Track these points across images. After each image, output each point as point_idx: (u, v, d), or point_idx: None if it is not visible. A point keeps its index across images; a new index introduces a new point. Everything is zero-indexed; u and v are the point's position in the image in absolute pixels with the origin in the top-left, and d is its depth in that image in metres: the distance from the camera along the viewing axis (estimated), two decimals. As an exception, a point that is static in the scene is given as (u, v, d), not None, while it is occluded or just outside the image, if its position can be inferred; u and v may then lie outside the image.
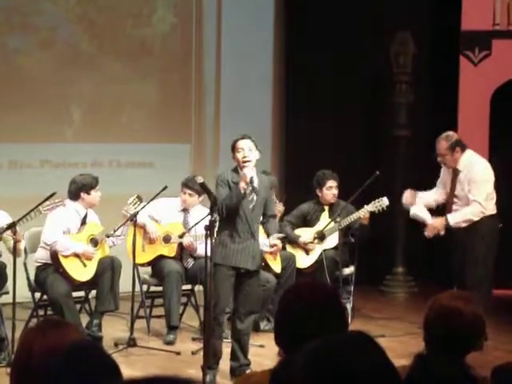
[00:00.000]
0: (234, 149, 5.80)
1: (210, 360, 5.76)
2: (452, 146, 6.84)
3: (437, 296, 3.08)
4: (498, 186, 6.97)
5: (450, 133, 7.03)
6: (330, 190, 7.72)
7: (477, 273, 6.80)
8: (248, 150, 5.73)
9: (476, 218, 6.80)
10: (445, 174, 7.06)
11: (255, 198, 5.78)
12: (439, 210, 7.14)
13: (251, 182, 5.71)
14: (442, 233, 6.93)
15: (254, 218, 5.79)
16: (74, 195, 6.88)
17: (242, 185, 5.66)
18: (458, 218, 6.84)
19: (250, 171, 5.73)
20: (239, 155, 5.74)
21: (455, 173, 6.92)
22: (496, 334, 7.02)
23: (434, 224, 6.93)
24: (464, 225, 6.85)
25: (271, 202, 6.06)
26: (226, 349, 6.06)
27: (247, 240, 5.76)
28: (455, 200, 6.95)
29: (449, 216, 6.88)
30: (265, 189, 5.87)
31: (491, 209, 6.90)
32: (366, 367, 1.76)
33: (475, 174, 6.83)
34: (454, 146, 6.84)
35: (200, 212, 7.15)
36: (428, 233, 6.98)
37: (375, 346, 1.84)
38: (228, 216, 5.72)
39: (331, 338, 1.85)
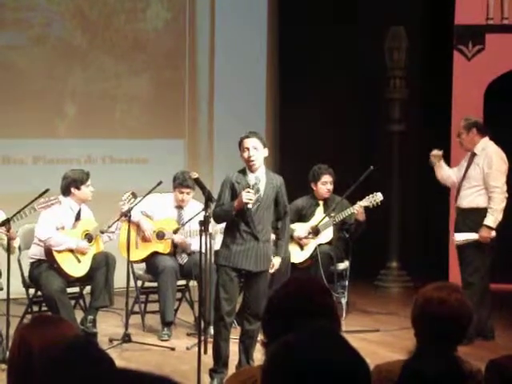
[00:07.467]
0: (240, 147, 5.64)
1: (217, 363, 5.70)
2: (468, 126, 6.87)
3: (420, 290, 3.07)
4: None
5: (471, 116, 7.08)
6: (325, 185, 7.70)
7: (473, 269, 6.80)
8: (253, 149, 5.58)
9: (503, 204, 6.72)
10: (464, 163, 7.02)
11: (260, 199, 5.59)
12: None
13: (247, 203, 5.51)
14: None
15: (258, 220, 5.63)
16: (65, 190, 6.86)
17: (237, 207, 5.52)
18: (493, 217, 6.71)
19: (247, 195, 5.50)
20: (245, 155, 5.60)
21: (472, 157, 6.90)
22: (500, 330, 7.02)
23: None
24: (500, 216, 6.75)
25: (280, 203, 5.77)
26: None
27: (250, 242, 5.63)
28: (464, 183, 6.90)
29: (487, 219, 6.72)
30: (273, 188, 5.69)
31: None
32: (330, 365, 1.72)
33: (494, 161, 6.78)
34: (471, 126, 6.87)
35: (194, 207, 7.12)
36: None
37: (341, 342, 1.80)
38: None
39: (297, 334, 1.80)
